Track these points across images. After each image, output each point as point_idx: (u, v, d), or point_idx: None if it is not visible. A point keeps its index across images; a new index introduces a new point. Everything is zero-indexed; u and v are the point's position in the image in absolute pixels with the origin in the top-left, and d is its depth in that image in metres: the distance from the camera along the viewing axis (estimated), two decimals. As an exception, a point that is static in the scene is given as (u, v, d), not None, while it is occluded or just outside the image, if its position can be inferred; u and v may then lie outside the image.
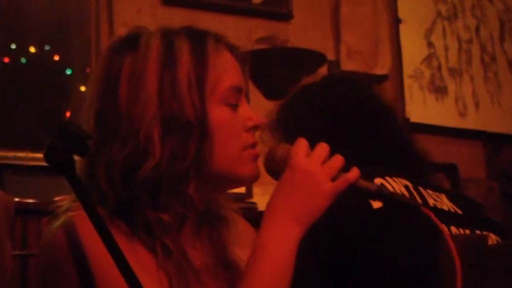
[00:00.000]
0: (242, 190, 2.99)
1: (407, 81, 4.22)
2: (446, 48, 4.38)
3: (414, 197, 1.67)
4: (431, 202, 1.69)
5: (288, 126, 1.82)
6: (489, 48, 4.51)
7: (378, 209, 1.60)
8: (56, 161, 1.15)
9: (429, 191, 1.72)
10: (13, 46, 3.35)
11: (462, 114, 4.35)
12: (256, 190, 3.14)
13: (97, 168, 1.28)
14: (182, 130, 1.27)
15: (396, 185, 1.66)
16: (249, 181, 1.37)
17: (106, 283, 1.19)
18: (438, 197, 1.73)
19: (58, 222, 1.25)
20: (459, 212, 1.73)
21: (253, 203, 2.96)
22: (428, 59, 4.32)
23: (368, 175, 1.64)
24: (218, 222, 1.38)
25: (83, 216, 1.14)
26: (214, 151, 1.29)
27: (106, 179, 1.27)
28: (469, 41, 4.46)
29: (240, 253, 1.36)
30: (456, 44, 4.42)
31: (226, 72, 1.32)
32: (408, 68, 4.24)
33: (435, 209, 1.68)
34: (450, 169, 4.10)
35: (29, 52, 3.38)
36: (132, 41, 1.31)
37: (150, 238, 1.27)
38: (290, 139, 1.81)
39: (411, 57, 4.26)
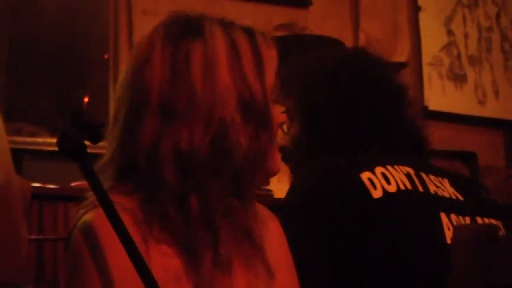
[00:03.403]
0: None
1: (426, 69, 4.21)
2: (466, 36, 4.36)
3: (416, 185, 1.66)
4: (432, 189, 1.68)
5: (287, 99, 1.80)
6: (509, 36, 4.48)
7: (378, 199, 1.60)
8: (68, 148, 1.15)
9: (432, 177, 1.71)
10: (33, 33, 3.37)
11: (482, 102, 4.33)
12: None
13: (158, 152, 1.26)
14: (255, 120, 1.30)
15: (397, 174, 1.65)
16: (276, 173, 1.39)
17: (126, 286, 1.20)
18: (440, 182, 1.72)
19: (78, 224, 1.25)
20: (460, 198, 1.72)
21: (269, 190, 2.97)
22: (448, 47, 4.30)
23: (369, 164, 1.64)
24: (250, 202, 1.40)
25: (101, 217, 1.16)
26: (272, 141, 1.33)
27: (175, 162, 1.26)
28: (490, 29, 4.44)
29: (263, 232, 1.38)
30: (476, 32, 4.39)
31: (275, 69, 1.36)
32: (427, 56, 4.22)
33: (435, 197, 1.67)
34: (469, 157, 4.08)
35: (49, 38, 3.39)
36: (195, 28, 1.32)
37: (202, 221, 1.28)
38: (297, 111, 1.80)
39: (431, 45, 4.24)
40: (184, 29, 1.32)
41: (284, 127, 1.82)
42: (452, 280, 1.36)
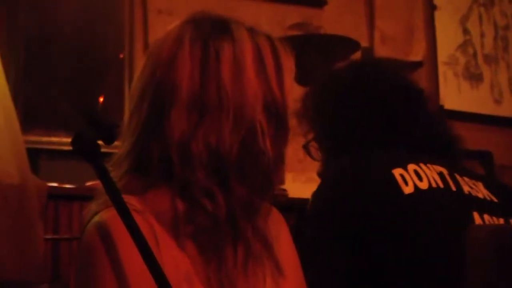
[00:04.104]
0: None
1: (441, 68, 4.20)
2: (482, 35, 4.34)
3: (449, 184, 1.66)
4: (466, 189, 1.68)
5: (314, 114, 1.82)
6: (526, 35, 4.46)
7: (409, 194, 1.60)
8: (82, 149, 1.16)
9: (466, 178, 1.72)
10: (48, 33, 3.38)
11: (498, 102, 4.31)
12: (288, 176, 3.14)
13: (190, 147, 1.27)
14: (275, 125, 1.32)
15: (430, 172, 1.66)
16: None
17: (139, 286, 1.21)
18: (474, 184, 1.72)
19: (92, 222, 1.25)
20: (495, 200, 1.72)
21: (284, 189, 2.97)
22: (463, 46, 4.28)
23: (402, 161, 1.65)
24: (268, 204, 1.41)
25: (116, 217, 1.17)
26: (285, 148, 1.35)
27: (206, 159, 1.27)
28: (506, 27, 4.42)
29: (273, 232, 1.39)
30: (492, 30, 4.37)
31: (292, 77, 1.37)
32: (442, 55, 4.21)
33: (469, 196, 1.67)
34: (485, 157, 4.07)
35: (64, 38, 3.40)
36: (223, 28, 1.33)
37: (227, 220, 1.28)
38: (316, 127, 1.83)
39: (446, 44, 4.23)
40: (212, 28, 1.32)
41: (314, 153, 1.84)
42: (466, 278, 1.36)
